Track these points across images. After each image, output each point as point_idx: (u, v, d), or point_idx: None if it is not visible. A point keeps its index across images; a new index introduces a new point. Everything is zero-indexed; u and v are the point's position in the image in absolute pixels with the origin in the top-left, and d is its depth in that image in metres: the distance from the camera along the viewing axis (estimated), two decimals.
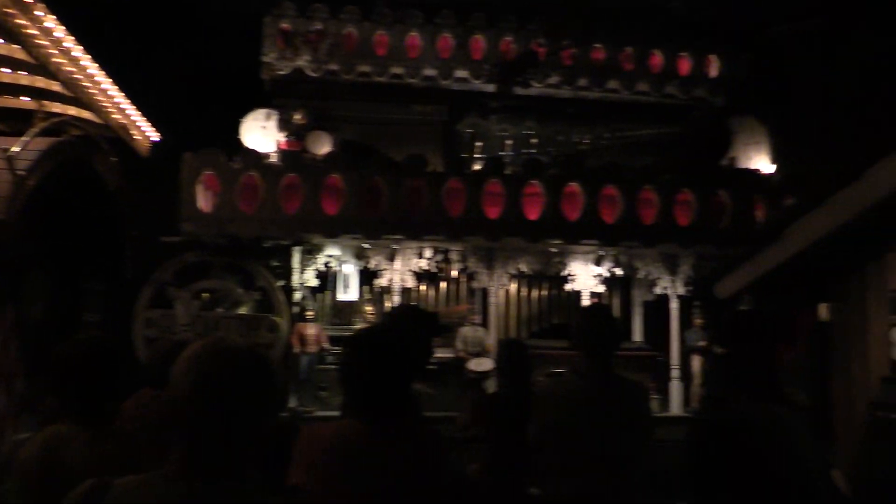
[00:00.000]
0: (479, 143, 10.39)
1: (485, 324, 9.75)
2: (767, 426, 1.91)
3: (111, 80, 8.39)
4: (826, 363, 5.57)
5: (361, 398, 2.17)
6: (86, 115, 8.45)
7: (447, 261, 9.70)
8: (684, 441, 1.78)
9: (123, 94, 9.50)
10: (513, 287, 10.37)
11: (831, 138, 9.57)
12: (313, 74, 9.92)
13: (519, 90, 10.02)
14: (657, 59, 10.51)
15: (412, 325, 3.17)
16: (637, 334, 10.71)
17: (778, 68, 10.17)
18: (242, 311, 9.39)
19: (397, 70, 10.14)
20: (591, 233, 9.13)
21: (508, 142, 10.47)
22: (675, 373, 9.74)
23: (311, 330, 9.31)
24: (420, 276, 9.79)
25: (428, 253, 9.50)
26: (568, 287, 10.04)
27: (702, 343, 9.70)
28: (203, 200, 9.09)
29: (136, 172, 10.41)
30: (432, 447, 2.20)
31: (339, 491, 2.04)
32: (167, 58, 11.16)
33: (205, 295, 9.41)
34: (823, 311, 5.91)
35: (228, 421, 1.50)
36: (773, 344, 7.47)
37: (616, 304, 10.84)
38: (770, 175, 9.89)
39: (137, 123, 10.21)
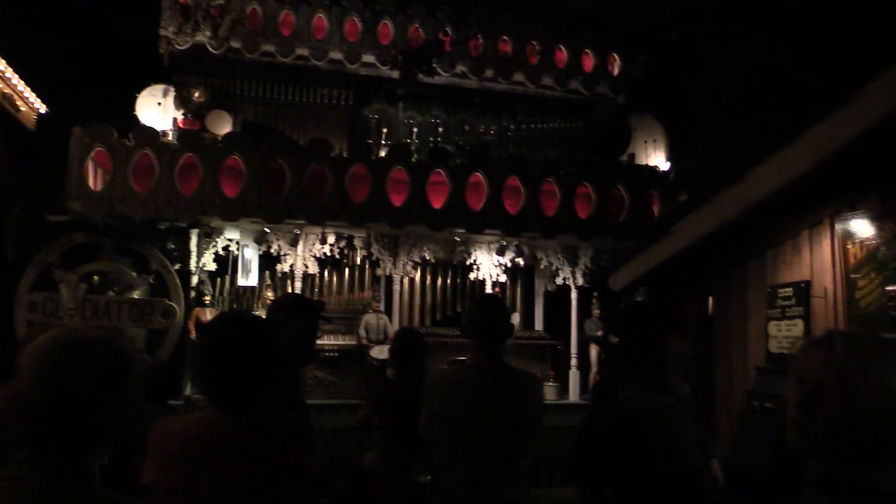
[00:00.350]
0: (385, 130, 10.31)
1: (388, 311, 9.71)
2: (651, 417, 1.94)
3: None
4: (711, 354, 5.82)
5: (215, 387, 2.06)
6: None
7: (351, 247, 9.60)
8: (576, 431, 1.86)
9: (5, 61, 8.98)
10: (417, 275, 10.36)
11: (722, 137, 10.03)
12: (214, 51, 9.58)
13: (426, 78, 10.02)
14: (562, 54, 10.72)
15: (288, 315, 3.12)
16: (538, 323, 10.90)
17: (674, 69, 10.56)
18: (135, 295, 9.02)
19: (303, 51, 9.93)
20: (494, 223, 9.22)
21: (415, 129, 10.44)
22: (573, 361, 9.99)
23: (208, 315, 9.01)
24: (323, 261, 9.65)
25: (331, 238, 9.36)
26: (472, 276, 10.13)
27: (599, 333, 9.99)
28: (93, 178, 8.67)
29: (22, 146, 9.84)
30: (295, 437, 2.11)
31: (196, 485, 1.94)
32: (58, 26, 10.56)
33: (95, 277, 9.00)
34: (711, 304, 6.19)
35: (74, 417, 1.40)
36: (662, 333, 7.79)
37: (519, 293, 11.02)
38: (666, 172, 10.26)
39: (24, 94, 9.67)
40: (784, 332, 4.93)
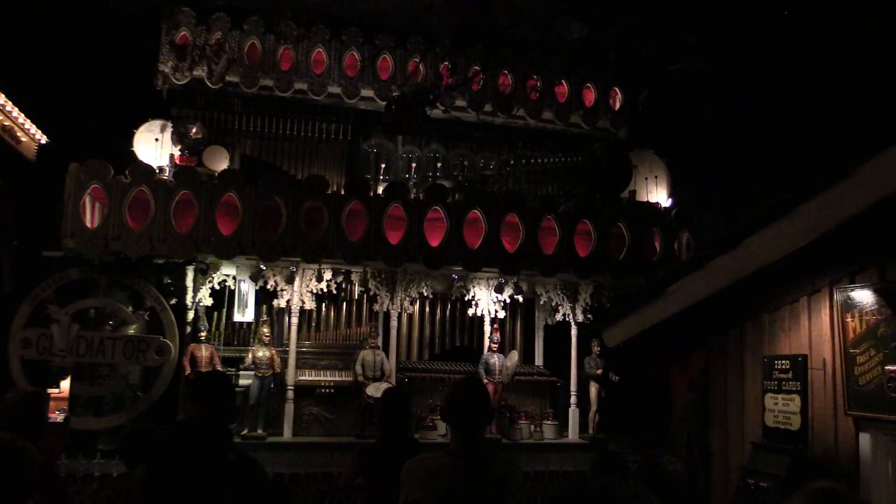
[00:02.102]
0: (383, 165, 10.23)
1: (385, 347, 9.61)
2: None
3: None
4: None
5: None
6: None
7: (348, 282, 9.52)
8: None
9: (4, 94, 8.96)
10: (415, 309, 10.25)
11: (724, 174, 9.92)
12: (212, 86, 9.52)
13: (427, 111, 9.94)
14: (562, 88, 10.62)
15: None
16: (538, 358, 10.77)
17: (675, 104, 10.46)
18: (130, 331, 8.95)
19: (301, 86, 9.86)
20: (491, 261, 9.10)
21: (413, 164, 10.35)
22: (573, 399, 9.86)
23: (203, 351, 8.95)
24: (320, 296, 9.56)
25: (328, 275, 9.28)
26: (470, 312, 10.02)
27: (599, 371, 9.86)
28: (90, 214, 8.61)
29: (21, 178, 9.81)
30: None
31: None
32: (58, 59, 10.53)
33: (92, 311, 8.93)
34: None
35: None
36: (665, 372, 7.62)
37: (518, 327, 10.89)
38: (667, 209, 10.14)
39: (24, 125, 9.64)
40: (781, 406, 4.79)
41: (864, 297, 4.43)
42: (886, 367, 4.22)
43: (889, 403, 4.13)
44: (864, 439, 4.45)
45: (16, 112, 9.28)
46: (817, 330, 4.77)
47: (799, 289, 4.90)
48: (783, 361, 4.85)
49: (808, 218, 4.29)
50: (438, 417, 9.32)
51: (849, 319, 4.53)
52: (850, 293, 4.53)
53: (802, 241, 4.31)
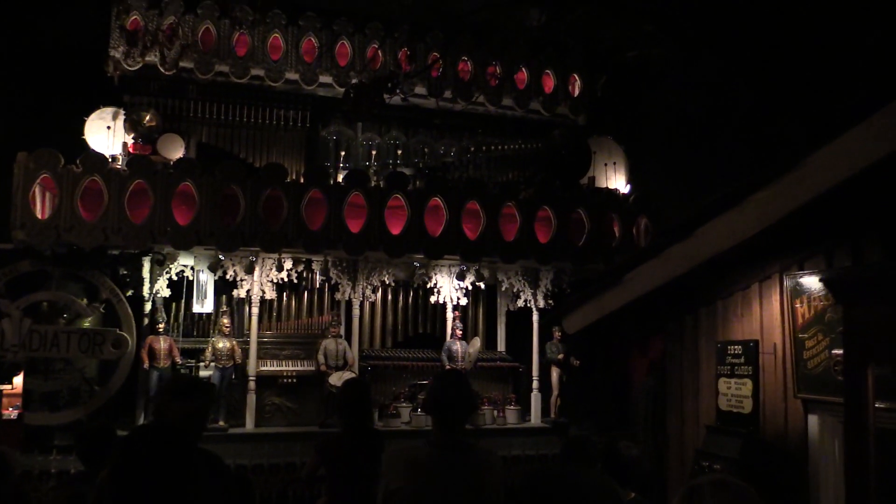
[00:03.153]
0: (343, 152, 10.15)
1: (348, 336, 9.58)
2: (569, 492, 2.18)
3: None
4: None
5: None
6: None
7: (309, 270, 9.45)
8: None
9: None
10: (377, 297, 10.22)
11: (682, 159, 10.06)
12: (166, 72, 9.31)
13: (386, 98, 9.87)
14: (522, 74, 10.62)
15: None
16: (501, 344, 10.85)
17: (634, 91, 10.55)
18: (85, 324, 8.77)
19: (258, 72, 9.70)
20: (453, 248, 9.12)
21: (373, 151, 10.28)
22: (535, 384, 9.95)
23: (162, 343, 8.83)
24: (281, 286, 9.47)
25: (288, 264, 9.19)
26: (432, 299, 10.03)
27: (560, 356, 9.96)
28: (40, 205, 8.39)
29: None
30: None
31: None
32: (4, 42, 10.20)
33: (44, 304, 8.73)
34: None
35: None
36: (625, 356, 7.72)
37: (481, 313, 10.94)
38: (626, 195, 10.25)
39: None
40: (734, 391, 4.90)
41: (812, 283, 4.54)
42: (833, 351, 4.33)
43: (835, 386, 4.24)
44: (813, 421, 4.57)
45: None
46: (768, 315, 4.87)
47: (751, 275, 4.99)
48: (736, 346, 4.96)
49: (758, 207, 4.37)
50: (402, 405, 9.36)
51: (798, 305, 4.64)
52: (799, 280, 4.64)
53: (753, 229, 4.39)
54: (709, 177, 9.39)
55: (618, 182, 10.60)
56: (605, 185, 10.53)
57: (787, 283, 4.75)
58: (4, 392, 8.12)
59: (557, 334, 9.91)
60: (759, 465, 4.55)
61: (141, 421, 8.69)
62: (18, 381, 8.59)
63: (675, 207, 9.54)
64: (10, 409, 8.13)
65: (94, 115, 9.33)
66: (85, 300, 8.79)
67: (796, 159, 4.07)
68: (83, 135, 9.26)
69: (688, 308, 5.55)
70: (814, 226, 4.38)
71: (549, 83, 10.76)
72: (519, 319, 10.51)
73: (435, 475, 3.02)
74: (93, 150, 8.83)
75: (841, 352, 4.25)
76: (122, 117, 9.30)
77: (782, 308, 4.78)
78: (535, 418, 9.89)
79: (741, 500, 1.74)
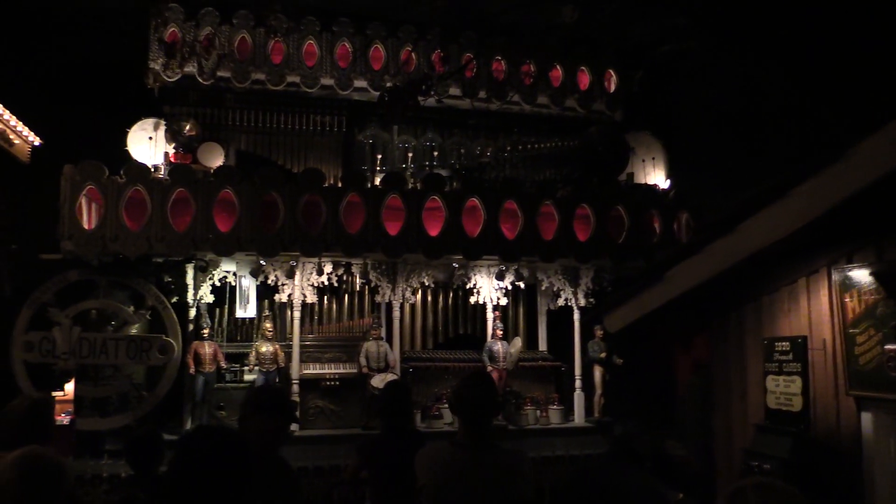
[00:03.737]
0: (379, 155, 10.19)
1: (389, 337, 9.62)
2: (614, 493, 2.20)
3: None
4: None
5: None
6: None
7: (349, 273, 9.51)
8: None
9: None
10: (417, 298, 10.25)
11: (722, 152, 9.86)
12: (204, 82, 9.47)
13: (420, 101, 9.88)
14: (557, 72, 10.55)
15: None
16: (542, 343, 10.78)
17: (671, 85, 10.37)
18: (132, 331, 8.97)
19: (294, 79, 9.81)
20: (491, 248, 9.09)
21: (409, 154, 10.30)
22: (577, 383, 9.87)
23: (207, 349, 8.98)
24: (321, 289, 9.56)
25: (328, 268, 9.28)
26: (472, 300, 10.01)
27: (602, 354, 9.86)
28: (87, 215, 8.60)
29: (15, 181, 9.80)
30: None
31: None
32: (48, 59, 10.48)
33: (93, 311, 8.95)
34: None
35: None
36: (669, 354, 7.58)
37: (521, 313, 10.89)
38: (665, 190, 10.10)
39: (16, 128, 9.61)
40: (782, 388, 4.77)
41: (861, 276, 4.39)
42: (886, 347, 4.18)
43: (890, 383, 4.11)
44: (866, 419, 4.43)
45: (7, 115, 9.25)
46: (816, 310, 4.73)
47: (797, 270, 4.86)
48: (783, 343, 4.82)
49: (802, 200, 4.24)
50: (444, 406, 9.35)
51: (847, 299, 4.49)
52: (847, 273, 4.50)
53: (798, 223, 4.26)
54: (750, 170, 9.19)
55: (657, 178, 10.45)
56: (644, 181, 10.39)
57: (836, 276, 4.61)
58: (57, 399, 8.34)
59: (599, 333, 9.82)
60: (810, 464, 4.42)
61: (188, 425, 8.85)
62: (70, 387, 8.82)
63: (717, 202, 9.34)
64: (63, 414, 8.34)
65: (135, 127, 9.54)
66: (132, 307, 8.99)
67: (841, 150, 3.94)
68: (126, 146, 9.46)
69: (732, 305, 5.41)
70: (861, 217, 4.24)
71: (585, 80, 10.66)
72: (560, 318, 10.43)
73: (458, 474, 3.06)
74: (135, 161, 9.03)
75: (895, 347, 4.12)
76: (162, 128, 9.49)
77: (831, 303, 4.64)
78: (578, 418, 9.81)
79: (786, 503, 1.68)
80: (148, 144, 9.39)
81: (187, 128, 9.30)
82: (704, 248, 4.95)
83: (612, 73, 10.72)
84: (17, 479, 2.44)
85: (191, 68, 9.46)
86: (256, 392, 3.84)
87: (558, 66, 10.54)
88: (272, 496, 3.10)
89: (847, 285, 4.52)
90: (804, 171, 4.19)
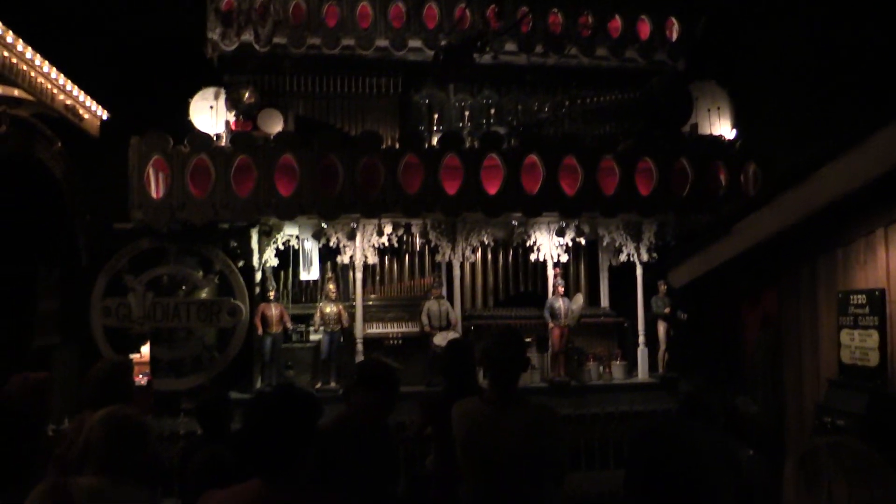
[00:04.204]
0: (436, 115, 10.13)
1: (450, 296, 9.69)
2: (684, 450, 2.20)
3: (48, 61, 8.11)
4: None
5: (256, 457, 2.25)
6: (27, 97, 8.15)
7: (409, 234, 9.57)
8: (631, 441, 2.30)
9: (63, 73, 9.18)
10: (477, 257, 10.26)
11: (790, 101, 9.46)
12: (261, 50, 9.54)
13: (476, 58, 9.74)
14: (616, 22, 10.22)
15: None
16: (604, 300, 10.70)
17: (736, 30, 9.94)
18: (202, 295, 9.26)
19: (349, 42, 9.77)
20: (551, 205, 8.99)
21: (466, 112, 10.20)
22: (641, 339, 9.79)
23: (273, 310, 9.22)
24: (382, 250, 9.67)
25: (388, 229, 9.36)
26: (533, 257, 9.98)
27: (667, 310, 9.74)
28: (155, 185, 8.84)
29: (86, 154, 10.12)
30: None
31: None
32: (111, 35, 10.71)
33: (164, 278, 9.27)
34: None
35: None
36: (734, 309, 7.46)
37: (582, 270, 10.80)
38: (731, 141, 9.77)
39: (85, 103, 9.89)
40: (857, 343, 4.63)
41: None
42: None
43: None
44: None
45: (76, 91, 9.53)
46: (895, 262, 4.56)
47: (874, 220, 4.66)
48: (859, 296, 4.67)
49: (882, 147, 4.05)
50: None
51: None
52: None
53: (877, 170, 4.08)
54: (821, 119, 8.82)
55: (722, 128, 10.09)
56: (708, 132, 10.06)
57: None
58: (134, 361, 8.72)
59: (663, 288, 9.69)
60: (888, 421, 4.30)
61: (258, 384, 9.15)
62: (146, 350, 9.20)
63: (786, 152, 9.01)
64: (140, 375, 8.72)
65: (197, 97, 9.69)
66: (201, 273, 9.27)
67: None
68: (188, 116, 9.64)
69: (804, 257, 5.25)
70: None
71: (645, 29, 10.31)
72: (622, 274, 10.31)
73: (484, 429, 3.18)
74: (198, 130, 9.21)
75: None
76: (223, 97, 9.61)
77: None
78: (642, 374, 9.75)
79: (862, 464, 1.62)
80: (209, 114, 9.55)
81: (246, 95, 9.42)
82: (775, 199, 4.78)
83: (675, 20, 10.31)
84: (104, 436, 2.63)
85: (247, 36, 9.52)
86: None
87: (617, 16, 10.20)
88: (375, 463, 3.24)
89: None
90: (883, 116, 3.99)
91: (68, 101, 9.53)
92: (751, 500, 3.70)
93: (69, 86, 9.36)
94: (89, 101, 9.84)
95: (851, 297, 4.75)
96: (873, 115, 4.14)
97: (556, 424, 3.29)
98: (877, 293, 4.58)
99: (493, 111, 10.24)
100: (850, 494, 1.55)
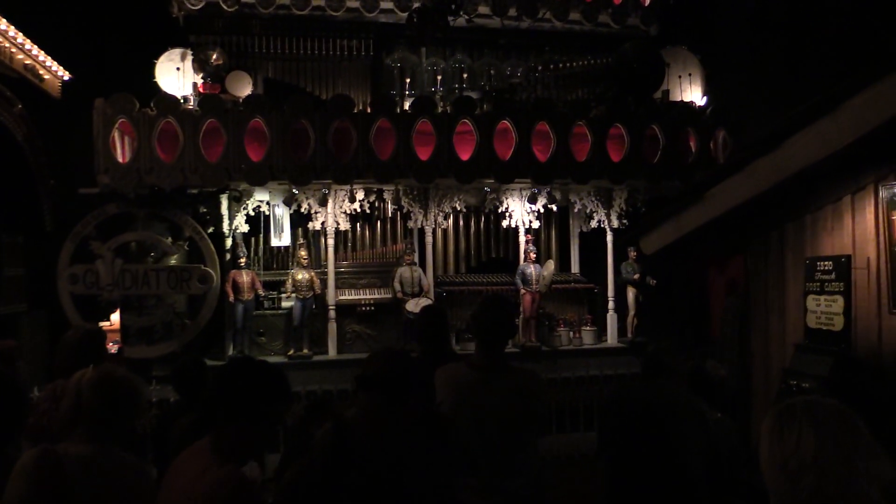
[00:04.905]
0: (408, 79, 10.01)
1: (422, 262, 9.69)
2: (660, 416, 2.27)
3: (5, 18, 7.84)
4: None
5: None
6: None
7: (381, 200, 9.52)
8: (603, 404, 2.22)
9: (22, 32, 8.88)
10: (449, 223, 10.26)
11: (762, 67, 9.52)
12: (228, 9, 9.29)
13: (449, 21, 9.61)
14: None
15: None
16: (574, 266, 10.79)
17: None
18: (171, 262, 9.14)
19: (318, 2, 9.56)
20: (523, 172, 8.99)
21: (439, 76, 10.10)
22: (610, 304, 9.91)
23: (244, 277, 9.13)
24: (354, 216, 9.60)
25: (360, 195, 9.29)
26: (504, 224, 10.00)
27: (636, 276, 9.86)
28: (120, 149, 8.65)
29: (48, 116, 9.85)
30: None
31: None
32: None
33: (133, 244, 9.12)
34: None
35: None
36: (703, 274, 7.57)
37: (553, 236, 10.87)
38: (702, 107, 9.82)
39: (45, 63, 9.58)
40: (823, 308, 4.75)
41: None
42: None
43: None
44: None
45: (35, 50, 9.21)
46: (861, 229, 4.65)
47: (842, 187, 4.76)
48: (826, 262, 4.77)
49: (853, 114, 4.10)
50: None
51: (894, 217, 4.41)
52: (895, 189, 4.40)
53: (848, 138, 4.14)
54: (792, 86, 8.90)
55: (693, 94, 10.14)
56: (680, 99, 10.10)
57: (883, 193, 4.51)
58: (104, 328, 8.61)
59: (633, 254, 9.80)
60: (851, 383, 4.44)
61: (230, 351, 9.11)
62: (115, 317, 9.08)
63: (757, 119, 9.09)
64: (111, 343, 8.62)
65: (163, 58, 9.44)
66: (170, 239, 9.12)
67: (894, 62, 3.78)
68: (154, 77, 9.40)
69: (773, 223, 5.35)
70: None
71: None
72: (592, 240, 10.39)
73: (471, 393, 3.24)
74: (165, 93, 8.98)
75: None
76: (189, 58, 9.38)
77: (877, 220, 4.56)
78: (611, 338, 9.90)
79: (833, 418, 1.65)
80: (176, 75, 9.31)
81: (214, 57, 9.20)
82: (747, 166, 4.84)
83: None
84: (100, 399, 2.63)
85: None
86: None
87: None
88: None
89: (895, 202, 4.43)
90: (856, 82, 4.04)
91: (27, 61, 9.23)
92: (718, 460, 3.80)
93: (28, 45, 9.07)
94: (49, 62, 9.55)
95: (818, 263, 4.85)
96: (844, 83, 4.19)
97: (542, 388, 3.38)
98: (843, 259, 4.69)
99: (465, 75, 10.16)
100: (815, 445, 1.59)
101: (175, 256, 9.16)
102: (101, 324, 8.72)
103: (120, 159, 8.51)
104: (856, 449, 1.58)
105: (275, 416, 2.39)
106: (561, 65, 10.13)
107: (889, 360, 4.47)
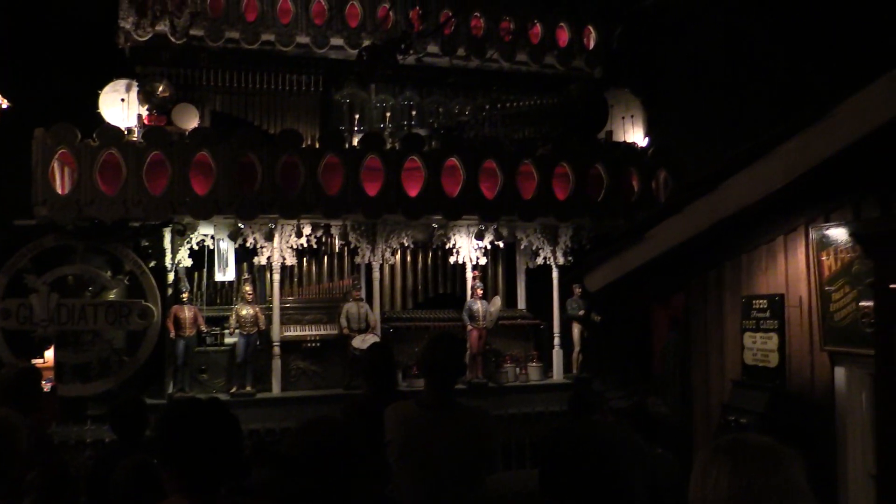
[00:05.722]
0: (357, 115, 10.07)
1: (369, 298, 9.64)
2: (602, 451, 2.25)
3: None
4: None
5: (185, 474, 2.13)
6: None
7: (328, 235, 9.48)
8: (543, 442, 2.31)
9: None
10: (397, 259, 10.26)
11: (702, 110, 9.89)
12: (177, 42, 9.23)
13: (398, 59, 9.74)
14: (536, 29, 10.44)
15: None
16: (521, 302, 10.88)
17: (651, 40, 10.32)
18: (111, 296, 8.90)
19: (269, 37, 9.58)
20: (471, 208, 9.10)
21: (388, 113, 10.19)
22: (556, 340, 10.01)
23: (186, 312, 8.93)
24: (301, 251, 9.52)
25: (307, 230, 9.23)
26: (452, 260, 10.05)
27: (581, 312, 9.99)
28: (60, 180, 8.44)
29: None
30: None
31: None
32: (14, 18, 10.15)
33: (70, 277, 8.85)
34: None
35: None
36: (647, 311, 7.69)
37: (500, 272, 10.96)
38: (644, 148, 10.12)
39: None
40: (759, 345, 4.89)
41: (838, 235, 4.48)
42: (860, 303, 4.29)
43: (863, 338, 4.22)
44: (840, 373, 4.56)
45: None
46: (794, 268, 4.82)
47: (776, 228, 4.93)
48: (761, 301, 4.92)
49: (786, 159, 4.29)
50: None
51: (824, 258, 4.58)
52: (825, 231, 4.58)
53: (780, 181, 4.32)
54: (730, 128, 9.25)
55: (636, 135, 10.46)
56: (623, 139, 10.40)
57: (813, 235, 4.69)
58: (37, 365, 8.30)
59: (578, 290, 9.92)
60: (785, 418, 4.56)
61: (170, 389, 8.86)
62: (49, 354, 8.76)
63: (696, 160, 9.42)
64: (44, 381, 8.30)
65: (107, 88, 9.29)
66: (109, 273, 8.91)
67: (825, 109, 3.98)
68: (98, 108, 9.24)
69: (711, 263, 5.50)
70: (841, 177, 4.30)
71: (564, 36, 10.56)
72: (539, 277, 10.51)
73: (420, 432, 3.19)
74: (108, 124, 8.84)
75: (869, 303, 4.22)
76: (135, 89, 9.25)
77: (808, 261, 4.73)
78: (557, 374, 9.98)
79: (752, 456, 1.65)
80: (121, 106, 9.17)
81: (160, 88, 9.10)
82: (686, 207, 5.00)
83: (592, 29, 10.61)
84: None
85: (163, 27, 9.17)
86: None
87: (537, 23, 10.42)
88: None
89: (824, 243, 4.61)
90: (788, 129, 4.23)
91: None
92: (659, 497, 3.84)
93: None
94: None
95: (754, 301, 5.00)
96: (777, 129, 4.38)
97: (494, 428, 3.35)
98: (776, 298, 4.84)
99: (414, 112, 10.28)
100: (729, 483, 1.61)
101: (114, 291, 8.94)
102: (34, 361, 8.42)
103: (59, 190, 8.31)
104: (770, 490, 1.60)
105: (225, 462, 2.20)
106: (508, 104, 10.35)
107: (821, 395, 4.62)
